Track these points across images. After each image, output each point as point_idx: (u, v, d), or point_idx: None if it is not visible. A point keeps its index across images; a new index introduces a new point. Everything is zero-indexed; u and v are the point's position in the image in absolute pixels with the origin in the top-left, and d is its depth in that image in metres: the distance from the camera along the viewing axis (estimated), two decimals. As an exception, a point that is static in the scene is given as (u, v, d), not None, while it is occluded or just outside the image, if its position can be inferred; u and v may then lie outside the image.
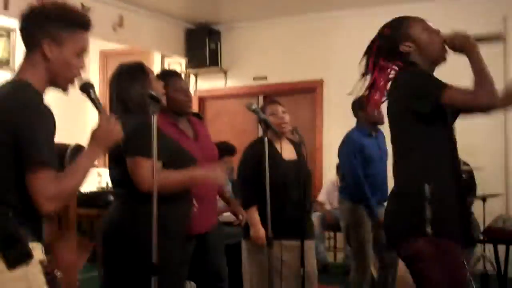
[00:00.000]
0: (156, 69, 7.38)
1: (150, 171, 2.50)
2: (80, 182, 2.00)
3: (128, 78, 2.80)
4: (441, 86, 2.31)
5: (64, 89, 2.07)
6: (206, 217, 3.38)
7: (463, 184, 2.48)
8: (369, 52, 2.54)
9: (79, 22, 2.04)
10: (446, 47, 2.42)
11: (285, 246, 3.60)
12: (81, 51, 2.05)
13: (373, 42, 2.55)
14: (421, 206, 2.30)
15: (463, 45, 2.36)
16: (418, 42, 2.45)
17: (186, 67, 7.46)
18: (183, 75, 3.45)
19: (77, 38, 2.03)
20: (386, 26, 2.54)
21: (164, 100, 2.80)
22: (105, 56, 7.65)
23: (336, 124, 6.35)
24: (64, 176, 1.94)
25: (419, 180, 2.33)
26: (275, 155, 3.69)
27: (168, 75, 3.49)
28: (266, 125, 3.38)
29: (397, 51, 2.47)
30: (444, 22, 6.46)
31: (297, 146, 3.93)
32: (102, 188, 5.76)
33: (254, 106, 3.36)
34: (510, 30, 6.03)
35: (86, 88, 2.07)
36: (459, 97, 2.28)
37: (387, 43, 2.50)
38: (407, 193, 2.39)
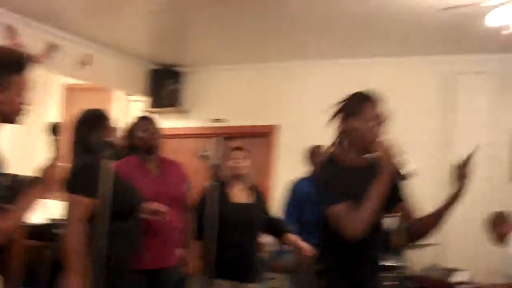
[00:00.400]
0: (119, 106, 7.65)
1: (78, 208, 2.82)
2: (19, 218, 2.19)
3: (90, 124, 3.12)
4: (330, 202, 2.47)
5: (14, 123, 2.27)
6: (161, 254, 3.58)
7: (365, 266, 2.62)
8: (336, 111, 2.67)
9: (13, 67, 2.23)
10: (375, 147, 2.53)
11: (225, 286, 3.86)
12: (23, 90, 2.25)
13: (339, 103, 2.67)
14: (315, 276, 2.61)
15: (386, 162, 2.48)
16: (361, 125, 2.56)
17: (149, 106, 7.71)
18: (145, 114, 3.81)
19: (16, 80, 2.22)
20: (353, 94, 2.65)
21: (118, 144, 3.12)
22: (70, 90, 7.84)
23: (287, 169, 6.61)
24: (5, 212, 2.13)
25: (321, 257, 2.65)
26: (223, 199, 3.92)
27: (138, 119, 3.86)
28: (213, 171, 3.72)
29: (344, 123, 2.60)
30: (393, 79, 6.86)
31: (257, 190, 4.22)
32: (51, 219, 5.89)
33: (202, 153, 3.69)
34: (456, 90, 6.51)
35: (55, 130, 2.31)
36: (337, 221, 2.46)
37: (341, 111, 2.63)
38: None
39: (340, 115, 2.63)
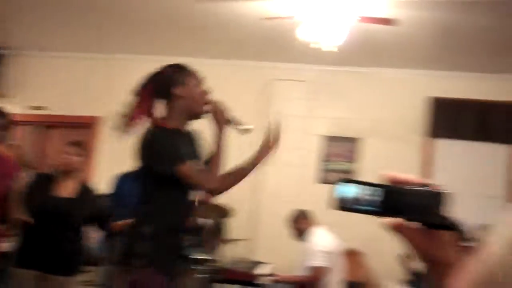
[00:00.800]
0: None
1: None
2: None
3: None
4: (179, 159, 2.57)
5: None
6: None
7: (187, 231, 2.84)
8: (144, 83, 2.76)
9: None
10: (205, 108, 2.72)
11: (28, 276, 3.85)
12: None
13: (151, 75, 2.78)
14: (137, 242, 2.68)
15: (219, 119, 2.70)
16: (188, 92, 2.71)
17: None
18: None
19: None
20: (169, 66, 2.80)
21: None
22: None
23: (110, 161, 6.63)
24: None
25: (144, 222, 2.69)
26: (42, 191, 3.95)
27: None
28: (26, 161, 3.69)
29: (168, 92, 2.72)
30: (221, 81, 7.11)
31: (85, 185, 4.22)
32: None
33: (13, 142, 3.65)
34: (274, 95, 6.93)
35: None
36: (192, 176, 2.59)
37: (163, 81, 2.75)
38: (135, 231, 2.74)
39: (162, 86, 2.74)
